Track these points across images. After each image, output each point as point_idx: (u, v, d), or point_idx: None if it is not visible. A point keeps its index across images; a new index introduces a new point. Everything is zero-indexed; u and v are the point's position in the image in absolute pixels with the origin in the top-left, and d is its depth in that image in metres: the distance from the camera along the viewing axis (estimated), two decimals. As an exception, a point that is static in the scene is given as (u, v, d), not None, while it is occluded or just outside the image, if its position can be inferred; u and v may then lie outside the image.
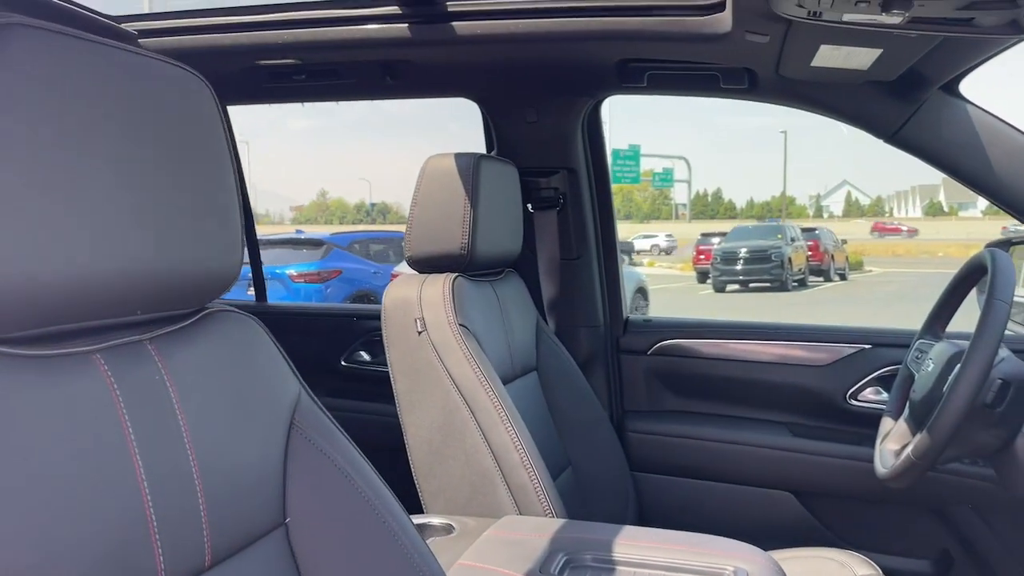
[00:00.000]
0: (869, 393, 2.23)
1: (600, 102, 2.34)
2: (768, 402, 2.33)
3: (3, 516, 0.69)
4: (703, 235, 22.29)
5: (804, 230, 21.80)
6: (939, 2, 1.24)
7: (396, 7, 1.98)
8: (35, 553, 0.70)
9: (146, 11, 2.21)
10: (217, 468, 0.90)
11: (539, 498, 1.67)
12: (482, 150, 2.45)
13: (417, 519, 1.72)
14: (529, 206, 2.36)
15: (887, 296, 17.18)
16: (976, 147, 1.83)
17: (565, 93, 2.26)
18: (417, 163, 1.92)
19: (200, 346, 0.94)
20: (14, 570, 0.69)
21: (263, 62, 2.18)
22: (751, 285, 18.79)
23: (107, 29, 2.07)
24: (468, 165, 1.87)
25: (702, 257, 20.83)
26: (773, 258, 18.53)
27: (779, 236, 19.54)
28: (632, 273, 11.43)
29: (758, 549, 1.53)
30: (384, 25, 2.00)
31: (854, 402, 2.23)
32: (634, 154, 26.88)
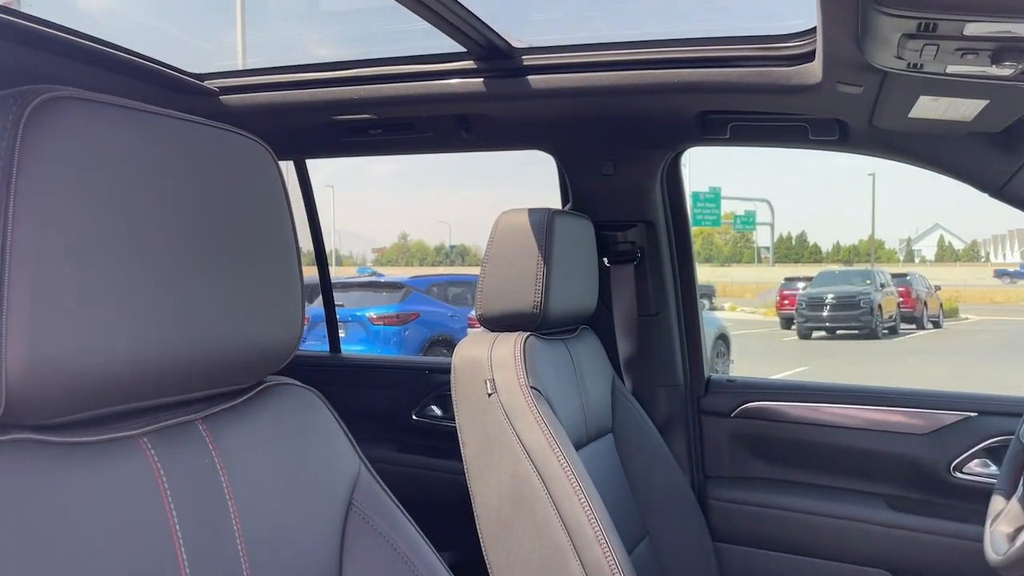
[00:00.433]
0: (976, 465, 2.05)
1: (680, 154, 2.26)
2: (863, 471, 2.17)
3: None
4: (787, 279, 21.73)
5: (894, 275, 21.03)
6: (1058, 52, 1.13)
7: (472, 62, 1.96)
8: None
9: (239, 67, 2.26)
10: (267, 555, 0.85)
11: None
12: (559, 194, 2.40)
13: None
14: (605, 260, 2.29)
15: (986, 346, 16.33)
16: None
17: (643, 145, 2.19)
18: (495, 206, 1.89)
19: (254, 425, 0.90)
20: None
21: (340, 117, 2.19)
22: (838, 332, 18.15)
23: (189, 86, 2.12)
24: (542, 221, 1.82)
25: (786, 302, 20.28)
26: (862, 304, 17.89)
27: (868, 281, 18.89)
28: (712, 319, 11.17)
29: None
30: (460, 80, 1.98)
31: (959, 475, 2.05)
32: (714, 197, 26.51)
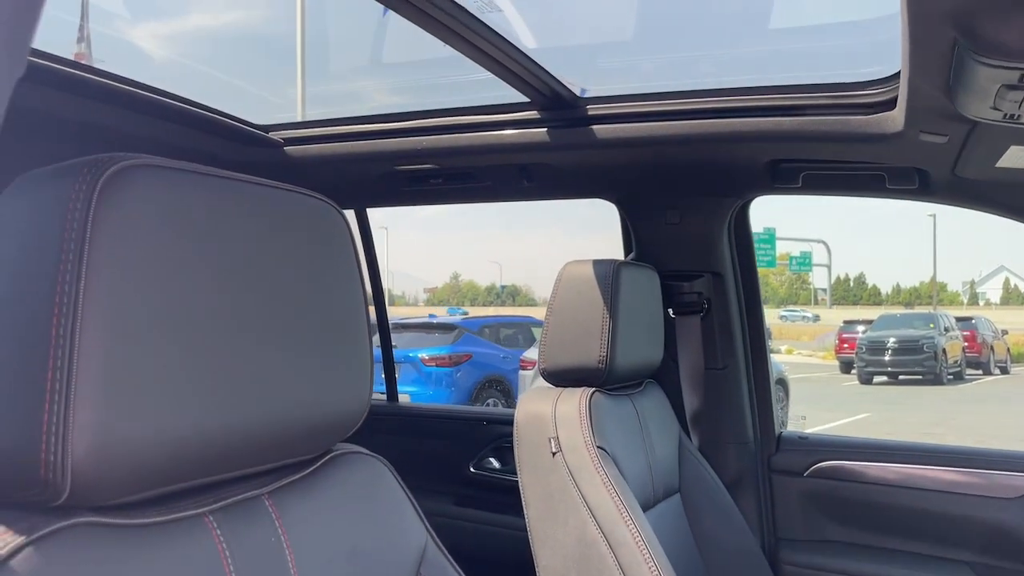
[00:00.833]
0: None
1: (748, 202, 2.20)
2: (947, 537, 2.04)
3: None
4: (846, 322, 21.21)
5: (959, 319, 20.38)
6: None
7: (535, 112, 1.93)
8: None
9: (302, 118, 2.28)
10: None
11: None
12: (613, 236, 2.36)
13: None
14: (670, 311, 2.23)
15: None
16: None
17: (710, 194, 2.14)
18: (546, 246, 1.86)
19: (321, 497, 0.86)
20: None
21: (402, 167, 2.18)
22: (901, 377, 17.59)
23: (255, 138, 2.14)
24: (607, 273, 1.77)
25: (845, 346, 19.77)
26: (925, 349, 17.33)
27: (931, 325, 18.32)
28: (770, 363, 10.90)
29: None
30: (523, 130, 1.96)
31: None
32: (769, 237, 26.17)
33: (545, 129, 1.94)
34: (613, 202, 2.28)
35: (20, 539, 0.60)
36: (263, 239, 0.76)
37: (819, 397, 14.16)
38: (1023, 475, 1.98)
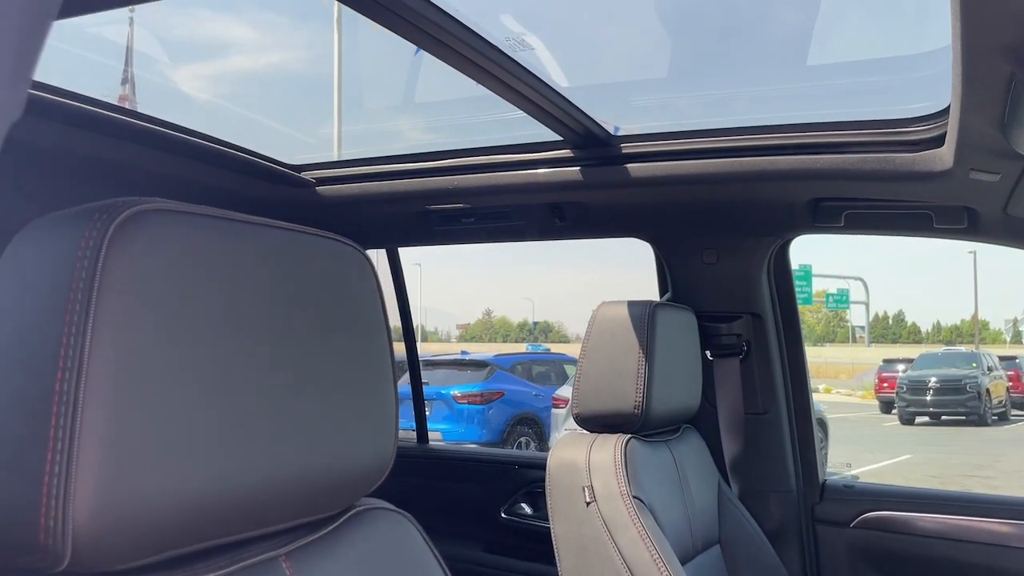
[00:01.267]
0: None
1: (788, 242, 2.14)
2: None
3: None
4: (886, 361, 20.76)
5: (1002, 358, 19.86)
6: None
7: (569, 150, 1.90)
8: None
9: (335, 158, 2.28)
10: None
11: None
12: (648, 274, 2.30)
13: None
14: (708, 353, 2.16)
15: None
16: None
17: (749, 233, 2.08)
18: (578, 283, 1.81)
19: (342, 558, 0.82)
20: None
21: (434, 207, 2.16)
22: (943, 417, 17.14)
23: (287, 178, 2.13)
24: (643, 314, 1.72)
25: (885, 385, 19.34)
26: (968, 389, 16.89)
27: (974, 364, 17.86)
28: (808, 402, 10.66)
29: None
30: (556, 169, 1.93)
31: None
32: (805, 274, 25.81)
33: (578, 168, 1.91)
34: (648, 241, 2.23)
35: None
36: (283, 285, 0.73)
37: (859, 438, 13.80)
38: None
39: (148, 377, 0.61)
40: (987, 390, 17.14)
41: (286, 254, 0.74)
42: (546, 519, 1.68)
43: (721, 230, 2.09)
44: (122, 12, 2.55)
